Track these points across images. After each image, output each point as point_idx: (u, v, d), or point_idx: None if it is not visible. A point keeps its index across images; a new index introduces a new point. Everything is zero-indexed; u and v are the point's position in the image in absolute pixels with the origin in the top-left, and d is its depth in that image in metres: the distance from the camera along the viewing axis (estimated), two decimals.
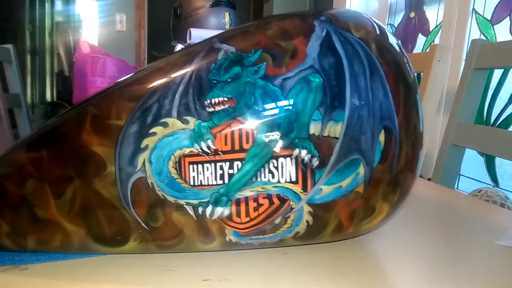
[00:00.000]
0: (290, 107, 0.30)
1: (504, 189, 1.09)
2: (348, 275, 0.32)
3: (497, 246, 0.40)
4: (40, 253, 0.33)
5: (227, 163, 0.30)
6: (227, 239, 0.32)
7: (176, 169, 0.30)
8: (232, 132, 0.29)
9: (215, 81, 0.30)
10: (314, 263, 0.34)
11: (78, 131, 0.30)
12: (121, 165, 0.30)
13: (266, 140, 0.30)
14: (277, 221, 0.31)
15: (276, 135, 0.30)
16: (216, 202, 0.30)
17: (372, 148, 0.31)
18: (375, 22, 0.35)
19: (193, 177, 0.30)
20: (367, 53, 0.31)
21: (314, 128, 0.30)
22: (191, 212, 0.30)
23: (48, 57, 2.92)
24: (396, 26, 1.79)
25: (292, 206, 0.31)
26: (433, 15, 1.54)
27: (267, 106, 0.30)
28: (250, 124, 0.30)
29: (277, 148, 0.30)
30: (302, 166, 0.30)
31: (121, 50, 2.73)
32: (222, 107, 0.30)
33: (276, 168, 0.30)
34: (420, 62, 0.92)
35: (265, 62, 0.30)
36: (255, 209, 0.31)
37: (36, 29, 2.69)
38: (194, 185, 0.30)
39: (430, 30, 1.55)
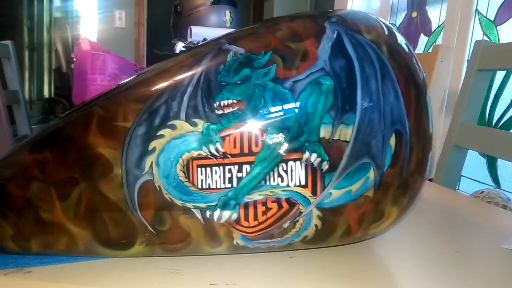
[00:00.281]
0: (301, 110, 0.29)
1: (505, 191, 1.09)
2: (355, 278, 0.32)
3: (503, 249, 0.40)
4: (44, 256, 0.33)
5: (236, 166, 0.29)
6: (235, 243, 0.31)
7: (184, 172, 0.29)
8: (241, 135, 0.29)
9: (224, 83, 0.29)
10: (321, 266, 0.34)
11: (84, 132, 0.30)
12: (128, 167, 0.29)
13: (276, 143, 0.29)
14: (286, 225, 0.31)
15: (286, 138, 0.29)
16: (224, 206, 0.30)
17: (382, 152, 0.31)
18: (383, 23, 0.34)
19: (201, 180, 0.29)
20: (378, 55, 0.31)
21: (325, 132, 0.29)
22: (199, 216, 0.30)
23: (46, 53, 2.90)
24: (397, 26, 1.79)
25: (301, 210, 0.31)
26: (435, 15, 1.54)
27: (277, 108, 0.29)
28: (259, 127, 0.29)
29: (287, 152, 0.29)
30: (311, 170, 0.30)
31: (120, 47, 2.72)
32: (231, 109, 0.29)
33: (286, 171, 0.30)
34: (422, 63, 0.91)
35: (275, 64, 0.30)
36: (264, 213, 0.30)
37: (34, 25, 2.68)
38: (202, 189, 0.29)
39: (432, 31, 1.55)
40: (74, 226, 0.30)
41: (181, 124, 0.29)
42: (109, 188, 0.29)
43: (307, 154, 0.29)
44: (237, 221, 0.30)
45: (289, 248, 0.34)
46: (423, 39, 1.59)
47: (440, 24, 1.50)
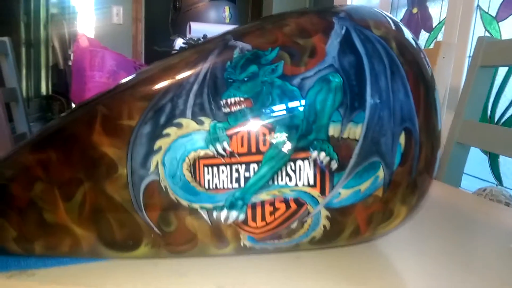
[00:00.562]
0: (309, 108, 0.28)
1: (508, 188, 1.09)
2: (362, 278, 0.32)
3: (510, 249, 0.39)
4: (47, 257, 0.32)
5: (243, 166, 0.29)
6: (242, 244, 0.31)
7: (190, 171, 0.28)
8: (249, 134, 0.28)
9: (231, 80, 0.29)
10: (328, 267, 0.33)
11: (88, 131, 0.29)
12: (133, 167, 0.28)
13: (284, 141, 0.28)
14: (294, 225, 0.30)
15: (294, 136, 0.28)
16: (231, 206, 0.29)
17: (392, 150, 0.30)
18: (390, 18, 0.34)
19: (208, 180, 0.29)
20: (387, 52, 0.30)
21: (334, 130, 0.29)
22: (205, 216, 0.29)
23: (43, 50, 2.88)
24: None
25: (310, 211, 0.30)
26: (436, 11, 1.53)
27: (285, 106, 0.29)
28: (267, 125, 0.28)
29: (295, 150, 0.29)
30: (320, 169, 0.29)
31: (118, 43, 2.70)
32: (238, 107, 0.28)
33: (294, 171, 0.29)
34: None
35: (282, 61, 0.29)
36: (271, 213, 0.30)
37: (31, 21, 2.66)
38: (209, 189, 0.29)
39: (433, 27, 1.54)
40: (78, 228, 0.29)
41: (187, 123, 0.28)
42: (113, 189, 0.29)
43: (315, 153, 0.29)
44: (245, 221, 0.30)
45: (297, 249, 0.34)
46: (423, 35, 1.59)
47: (441, 20, 1.50)
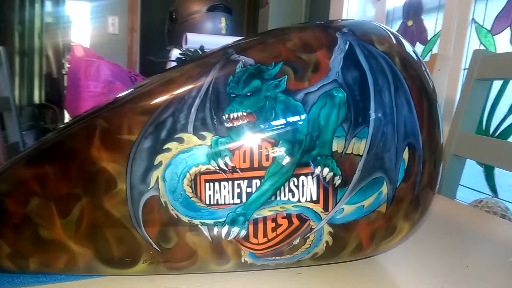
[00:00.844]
0: (313, 123, 0.28)
1: (503, 200, 1.09)
2: None
3: (510, 263, 0.39)
4: (41, 274, 0.31)
5: (245, 181, 0.28)
6: (242, 260, 0.30)
7: (191, 187, 0.28)
8: (251, 149, 0.28)
9: (234, 95, 0.28)
10: (329, 283, 0.32)
11: (86, 146, 0.28)
12: (132, 182, 0.28)
13: (287, 157, 0.28)
14: (296, 242, 0.30)
15: (297, 152, 0.28)
16: (233, 222, 0.29)
17: (396, 166, 0.30)
18: (390, 32, 0.33)
19: (209, 195, 0.28)
20: (391, 67, 0.30)
21: (337, 145, 0.28)
22: (206, 233, 0.29)
23: (37, 59, 2.86)
24: None
25: (312, 227, 0.29)
26: (431, 24, 1.55)
27: (288, 121, 0.28)
28: (270, 140, 0.28)
29: (298, 166, 0.28)
30: (323, 185, 0.29)
31: (113, 53, 2.69)
32: (241, 122, 0.28)
33: (297, 186, 0.28)
34: None
35: (286, 76, 0.29)
36: (273, 229, 0.29)
37: (25, 30, 2.64)
38: (210, 204, 0.28)
39: (428, 39, 1.56)
40: (74, 244, 0.29)
41: (189, 137, 0.28)
42: (112, 204, 0.28)
43: (319, 168, 0.28)
44: (246, 238, 0.29)
45: (298, 265, 0.33)
46: (418, 48, 1.60)
47: (436, 33, 1.51)
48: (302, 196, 0.29)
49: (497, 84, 1.17)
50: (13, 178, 0.29)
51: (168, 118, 0.28)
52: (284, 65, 0.29)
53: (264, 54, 0.30)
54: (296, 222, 0.29)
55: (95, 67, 1.17)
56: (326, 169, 0.28)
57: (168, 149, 0.28)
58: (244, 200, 0.28)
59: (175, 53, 1.19)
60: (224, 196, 0.28)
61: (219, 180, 0.28)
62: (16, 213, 0.29)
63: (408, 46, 0.33)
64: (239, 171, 0.28)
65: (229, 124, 0.28)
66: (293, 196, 0.29)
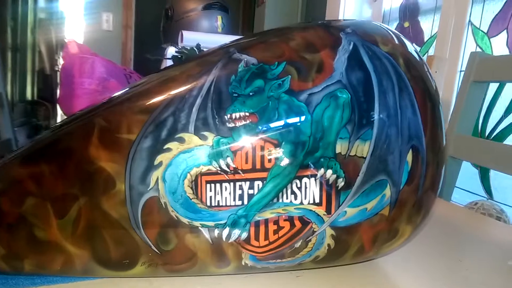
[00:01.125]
0: (316, 124, 0.28)
1: (498, 202, 1.09)
2: None
3: (510, 266, 0.39)
4: (36, 276, 0.30)
5: (247, 183, 0.28)
6: (243, 263, 0.30)
7: (192, 188, 0.27)
8: (254, 150, 0.27)
9: (236, 95, 0.28)
10: (330, 286, 0.32)
11: (84, 145, 0.28)
12: (131, 183, 0.27)
13: (290, 159, 0.28)
14: (297, 244, 0.29)
15: (300, 153, 0.28)
16: (234, 224, 0.28)
17: (399, 168, 0.29)
18: (392, 32, 0.33)
19: (210, 197, 0.27)
20: (395, 68, 0.30)
21: (341, 147, 0.28)
22: (206, 235, 0.28)
23: (29, 55, 2.83)
24: None
25: (314, 229, 0.29)
26: (428, 25, 1.55)
27: (291, 122, 0.28)
28: (273, 141, 0.27)
29: (301, 168, 0.28)
30: (326, 187, 0.28)
31: (107, 50, 2.66)
32: (243, 122, 0.27)
33: (299, 188, 0.28)
34: None
35: (289, 76, 0.28)
36: (275, 232, 0.29)
37: (18, 26, 2.61)
38: (210, 206, 0.28)
39: (425, 41, 1.56)
40: (71, 245, 0.28)
41: (190, 137, 0.27)
42: (110, 205, 0.27)
43: (322, 170, 0.28)
44: (247, 240, 0.29)
45: (299, 268, 0.32)
46: None
47: (432, 34, 1.52)
48: (305, 198, 0.28)
49: (493, 87, 1.17)
50: (8, 177, 0.28)
51: (169, 117, 0.27)
52: (288, 65, 0.28)
53: (267, 54, 0.29)
54: (298, 224, 0.29)
55: (89, 64, 1.16)
56: (330, 171, 0.28)
57: (169, 149, 0.27)
58: (245, 202, 0.28)
59: (171, 51, 1.18)
60: (226, 197, 0.28)
61: (221, 181, 0.27)
62: (10, 212, 0.28)
63: (410, 46, 0.33)
64: (241, 172, 0.27)
65: (231, 124, 0.27)
66: (295, 198, 0.28)
